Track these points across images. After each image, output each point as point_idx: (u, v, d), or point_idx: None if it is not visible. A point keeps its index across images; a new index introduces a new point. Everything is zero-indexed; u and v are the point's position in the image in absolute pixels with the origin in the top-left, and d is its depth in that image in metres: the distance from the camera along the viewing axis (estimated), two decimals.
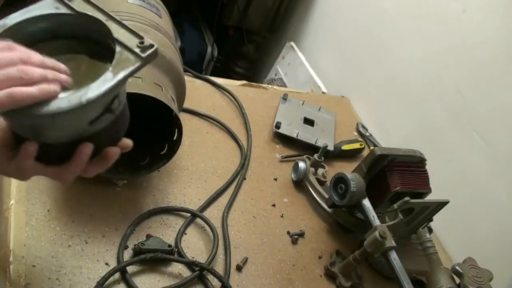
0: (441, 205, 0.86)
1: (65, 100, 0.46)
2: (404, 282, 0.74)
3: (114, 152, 0.52)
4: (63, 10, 0.53)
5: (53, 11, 0.53)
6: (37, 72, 0.45)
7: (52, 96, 0.45)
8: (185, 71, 1.09)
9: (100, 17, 0.53)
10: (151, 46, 0.52)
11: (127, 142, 0.54)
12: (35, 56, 0.47)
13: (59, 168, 0.51)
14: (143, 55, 0.51)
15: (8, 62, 0.44)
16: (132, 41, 0.52)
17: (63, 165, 0.51)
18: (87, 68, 0.54)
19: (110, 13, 0.54)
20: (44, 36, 0.54)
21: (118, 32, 0.53)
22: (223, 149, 0.99)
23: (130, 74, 0.50)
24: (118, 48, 0.51)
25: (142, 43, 0.52)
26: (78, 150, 0.50)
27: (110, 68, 0.49)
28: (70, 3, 0.53)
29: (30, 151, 0.48)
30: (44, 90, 0.44)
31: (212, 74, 1.35)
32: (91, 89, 0.47)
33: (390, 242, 0.76)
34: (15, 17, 0.51)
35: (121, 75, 0.49)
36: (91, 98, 0.47)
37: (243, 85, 1.22)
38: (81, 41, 0.55)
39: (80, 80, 0.51)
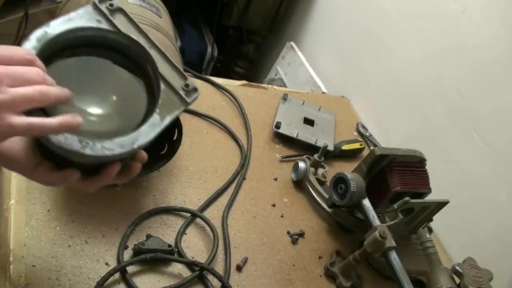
0: (441, 205, 0.86)
1: (117, 147, 0.49)
2: (404, 282, 0.74)
3: (137, 167, 0.56)
4: (105, 25, 0.53)
5: (95, 24, 0.53)
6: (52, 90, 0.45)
7: (72, 130, 0.46)
8: (185, 71, 1.09)
9: (143, 43, 0.54)
10: (195, 90, 0.54)
11: (143, 155, 0.56)
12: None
13: (85, 180, 0.52)
14: (188, 100, 0.54)
15: (26, 80, 0.44)
16: (177, 81, 0.54)
17: (90, 179, 0.52)
18: (107, 71, 0.55)
19: (151, 38, 0.55)
20: (78, 42, 0.54)
21: (161, 65, 0.54)
22: (223, 149, 0.99)
23: (175, 118, 0.53)
24: (163, 86, 0.53)
25: (187, 85, 0.54)
26: (107, 170, 0.52)
27: (157, 110, 0.52)
28: (112, 18, 0.53)
29: (73, 179, 0.50)
30: (64, 124, 0.45)
31: (212, 74, 1.35)
32: (141, 134, 0.50)
33: (390, 242, 0.76)
34: (56, 26, 0.51)
35: (167, 120, 0.52)
36: (142, 144, 0.50)
37: (243, 85, 1.22)
38: (112, 51, 0.56)
39: (95, 80, 0.53)
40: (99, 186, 0.53)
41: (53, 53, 0.52)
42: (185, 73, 0.54)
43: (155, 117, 0.51)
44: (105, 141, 0.49)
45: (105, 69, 0.55)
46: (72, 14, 0.52)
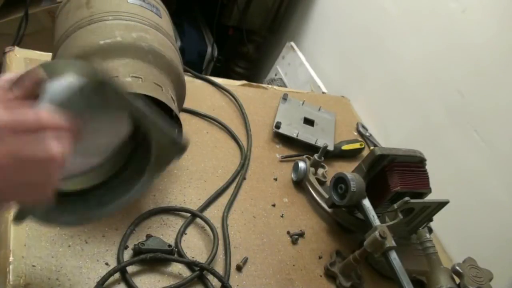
0: (441, 205, 0.86)
1: (115, 206, 0.59)
2: (404, 282, 0.74)
3: None
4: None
5: None
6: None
7: None
8: (185, 71, 1.09)
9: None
10: (184, 148, 0.59)
11: None
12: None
13: None
14: (177, 158, 0.60)
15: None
16: (165, 137, 0.57)
17: None
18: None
19: (135, 102, 0.52)
20: None
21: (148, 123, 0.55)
22: (223, 149, 0.99)
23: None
24: (153, 150, 0.58)
25: (176, 142, 0.58)
26: None
27: (148, 169, 0.59)
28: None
29: None
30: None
31: (212, 74, 1.35)
32: (135, 193, 0.59)
33: (390, 242, 0.76)
34: None
35: (157, 176, 0.62)
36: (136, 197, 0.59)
37: (243, 85, 1.22)
38: None
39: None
40: None
41: None
42: (172, 124, 0.60)
43: (147, 175, 0.59)
44: (103, 210, 0.58)
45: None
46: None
